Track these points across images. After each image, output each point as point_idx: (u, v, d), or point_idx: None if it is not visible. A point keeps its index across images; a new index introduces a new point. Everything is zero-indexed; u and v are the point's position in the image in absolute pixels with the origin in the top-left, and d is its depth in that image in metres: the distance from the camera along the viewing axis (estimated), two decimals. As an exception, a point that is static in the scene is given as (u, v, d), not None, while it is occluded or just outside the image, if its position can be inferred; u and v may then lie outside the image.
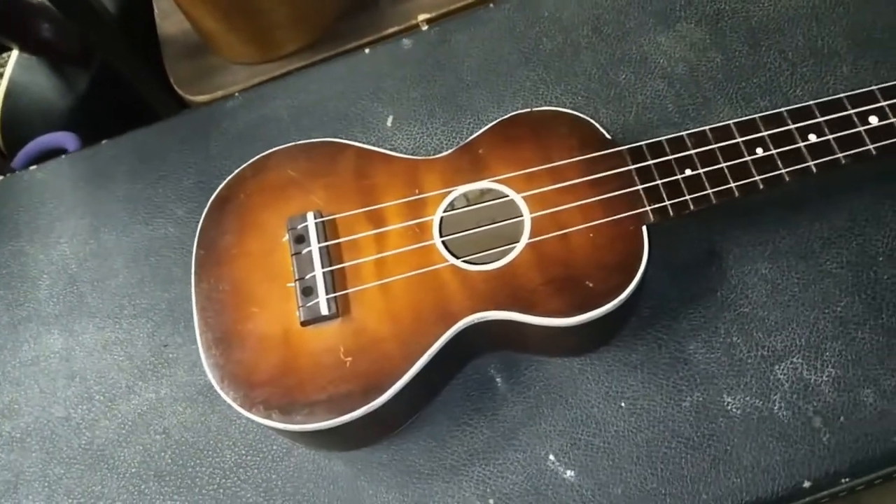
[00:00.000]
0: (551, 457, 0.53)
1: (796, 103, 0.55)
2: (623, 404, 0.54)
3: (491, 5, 0.76)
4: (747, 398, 0.53)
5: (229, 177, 0.59)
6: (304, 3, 0.88)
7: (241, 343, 0.51)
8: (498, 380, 0.56)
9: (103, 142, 0.76)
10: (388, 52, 0.75)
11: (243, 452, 0.57)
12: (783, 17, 0.68)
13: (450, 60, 0.73)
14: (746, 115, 0.55)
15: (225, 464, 0.57)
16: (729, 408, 0.53)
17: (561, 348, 0.55)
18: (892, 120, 0.52)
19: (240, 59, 0.95)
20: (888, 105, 0.52)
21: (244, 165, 0.59)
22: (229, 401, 0.50)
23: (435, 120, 0.70)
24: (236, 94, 0.76)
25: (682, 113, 0.65)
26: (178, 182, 0.71)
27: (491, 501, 0.53)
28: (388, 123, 0.70)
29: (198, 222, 0.59)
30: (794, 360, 0.53)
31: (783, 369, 0.53)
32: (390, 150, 0.69)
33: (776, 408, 0.52)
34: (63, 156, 0.77)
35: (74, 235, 0.70)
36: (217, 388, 0.50)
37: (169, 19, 1.02)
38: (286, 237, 0.54)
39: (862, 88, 0.54)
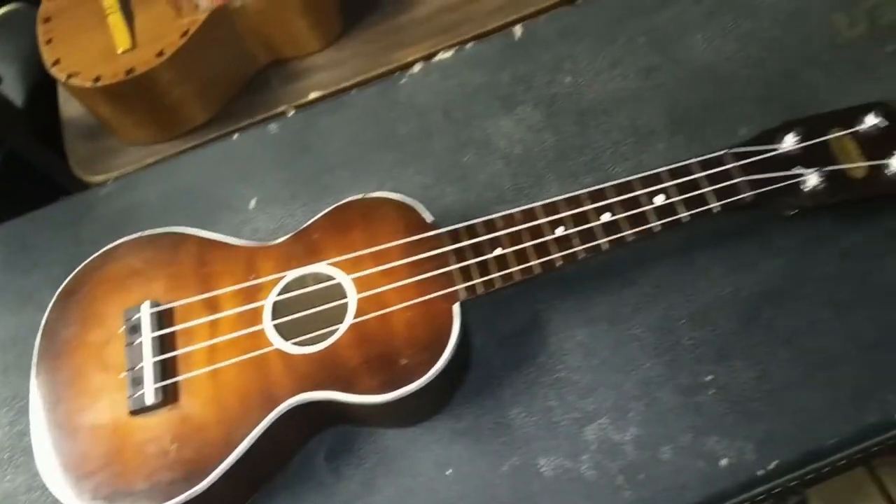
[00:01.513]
0: (380, 527, 0.54)
1: (617, 179, 0.58)
2: (449, 472, 0.55)
3: (353, 92, 0.79)
4: (559, 460, 0.54)
5: (77, 269, 0.59)
6: (192, 88, 0.89)
7: (72, 434, 0.51)
8: (334, 455, 0.56)
9: (-23, 233, 0.75)
10: (256, 138, 0.77)
11: (93, 537, 0.56)
12: (610, 99, 0.71)
13: (314, 144, 0.75)
14: (573, 191, 0.57)
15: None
16: (542, 470, 0.54)
17: (393, 421, 0.56)
18: (675, 199, 0.55)
19: (136, 140, 0.96)
20: (674, 185, 0.56)
21: (92, 257, 0.59)
22: (57, 493, 0.49)
23: (296, 201, 0.71)
24: (109, 180, 0.77)
25: (518, 190, 0.68)
26: (49, 270, 0.70)
27: (323, 573, 0.53)
28: (251, 206, 0.71)
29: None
30: (602, 421, 0.55)
31: (592, 430, 0.55)
32: (252, 231, 0.70)
33: (584, 468, 0.54)
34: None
35: (-56, 326, 0.69)
36: (47, 479, 0.50)
37: (71, 103, 1.03)
38: (122, 329, 0.55)
39: (652, 170, 0.57)
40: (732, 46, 0.72)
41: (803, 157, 0.56)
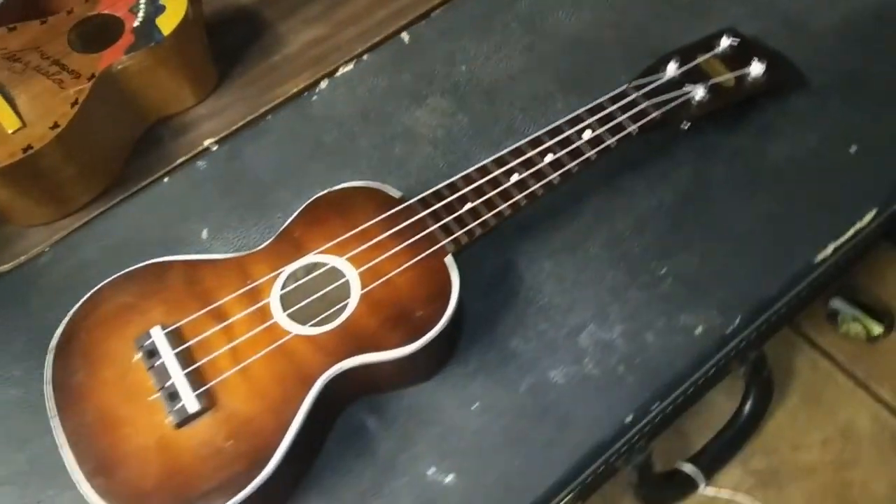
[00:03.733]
0: (431, 470, 0.57)
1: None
2: (475, 406, 0.59)
3: (269, 117, 0.82)
4: (566, 368, 0.60)
5: (63, 322, 0.57)
6: (89, 157, 0.87)
7: (121, 464, 0.50)
8: (368, 422, 0.59)
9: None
10: (186, 177, 0.77)
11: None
12: (505, 76, 0.79)
13: (246, 170, 0.77)
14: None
15: None
16: (555, 380, 0.60)
17: (412, 377, 0.60)
18: (600, 131, 0.64)
19: (35, 221, 0.92)
20: (595, 120, 0.64)
21: (75, 307, 0.58)
22: (124, 520, 0.48)
23: (247, 223, 0.72)
24: (46, 249, 0.74)
25: (451, 166, 0.74)
26: (7, 346, 0.67)
27: (391, 528, 0.55)
28: (204, 236, 0.72)
29: (40, 376, 0.57)
30: (590, 328, 0.62)
31: (585, 337, 0.62)
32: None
33: (589, 368, 0.60)
34: None
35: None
36: (109, 513, 0.49)
37: (-38, 200, 0.96)
38: (137, 356, 0.54)
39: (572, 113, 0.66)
40: (589, 16, 0.83)
41: (685, 80, 0.67)
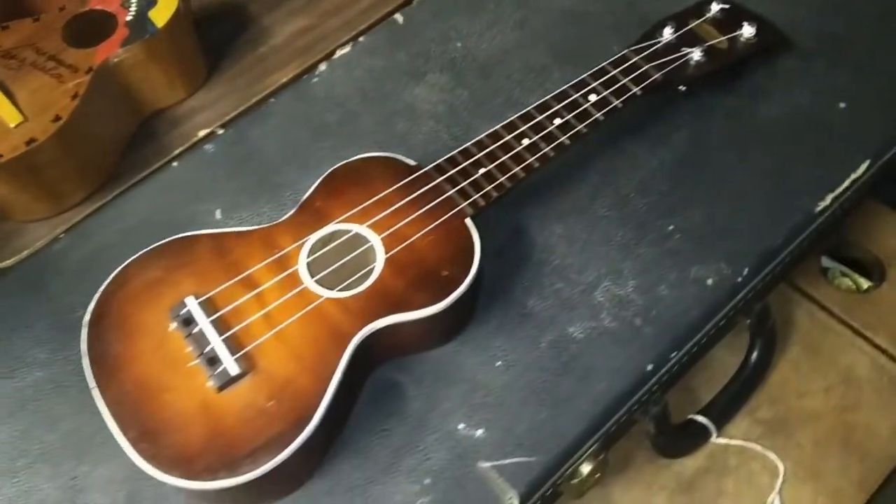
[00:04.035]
0: (460, 426, 0.59)
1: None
2: (498, 364, 0.62)
3: (272, 100, 0.83)
4: (584, 323, 0.63)
5: (94, 299, 0.58)
6: (88, 151, 0.87)
7: (165, 428, 0.52)
8: (400, 379, 0.61)
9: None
10: (195, 160, 0.78)
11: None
12: (500, 52, 0.82)
13: (253, 152, 0.78)
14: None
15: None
16: (574, 335, 0.62)
17: (436, 338, 0.62)
18: (605, 94, 0.67)
19: (32, 217, 0.92)
20: (599, 83, 0.67)
21: (105, 284, 0.59)
22: (174, 481, 0.49)
23: (258, 201, 0.74)
24: (60, 235, 0.75)
25: (455, 139, 0.76)
26: (29, 329, 0.68)
27: (427, 481, 0.57)
28: (218, 216, 0.73)
29: (65, 357, 0.58)
30: (605, 284, 0.65)
31: (600, 293, 0.64)
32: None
33: (606, 322, 0.63)
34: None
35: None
36: (157, 475, 0.50)
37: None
38: (172, 326, 0.56)
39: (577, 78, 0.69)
40: (580, -10, 0.85)
41: (681, 43, 0.70)
